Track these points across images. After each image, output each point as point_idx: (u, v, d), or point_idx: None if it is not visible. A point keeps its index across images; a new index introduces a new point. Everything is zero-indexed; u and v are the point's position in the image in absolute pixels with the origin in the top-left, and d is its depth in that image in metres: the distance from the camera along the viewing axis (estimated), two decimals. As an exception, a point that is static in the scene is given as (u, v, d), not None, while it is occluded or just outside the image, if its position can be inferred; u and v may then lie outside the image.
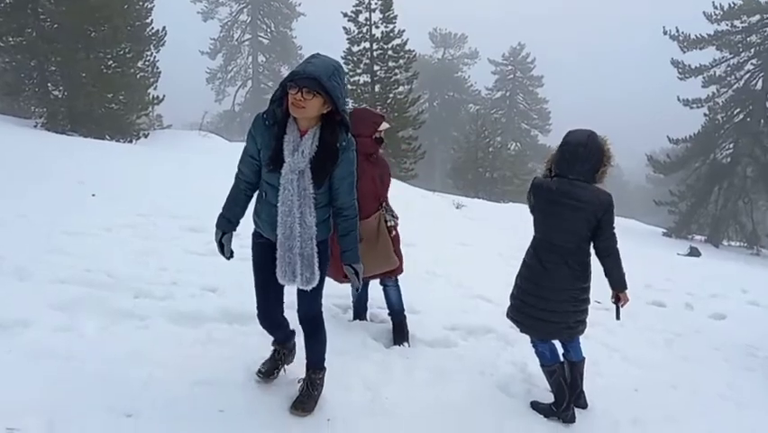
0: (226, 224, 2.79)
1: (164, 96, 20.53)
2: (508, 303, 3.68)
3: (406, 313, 4.21)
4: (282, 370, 3.20)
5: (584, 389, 3.72)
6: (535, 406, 3.62)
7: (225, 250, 2.80)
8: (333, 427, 2.91)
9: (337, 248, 2.86)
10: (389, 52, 24.62)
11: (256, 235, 2.83)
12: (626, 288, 3.44)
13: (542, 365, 3.59)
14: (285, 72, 48.58)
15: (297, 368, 3.14)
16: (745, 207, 25.49)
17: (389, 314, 4.21)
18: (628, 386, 4.24)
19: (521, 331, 3.67)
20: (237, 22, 48.74)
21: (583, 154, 3.27)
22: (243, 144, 2.72)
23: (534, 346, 3.62)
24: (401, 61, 24.77)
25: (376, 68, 24.71)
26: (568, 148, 3.32)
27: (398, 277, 4.15)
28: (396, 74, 24.93)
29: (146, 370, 2.98)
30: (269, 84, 48.90)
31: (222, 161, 8.10)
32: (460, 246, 8.92)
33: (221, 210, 2.79)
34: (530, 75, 51.03)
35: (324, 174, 2.60)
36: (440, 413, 3.30)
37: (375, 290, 4.28)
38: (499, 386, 3.84)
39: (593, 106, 70.07)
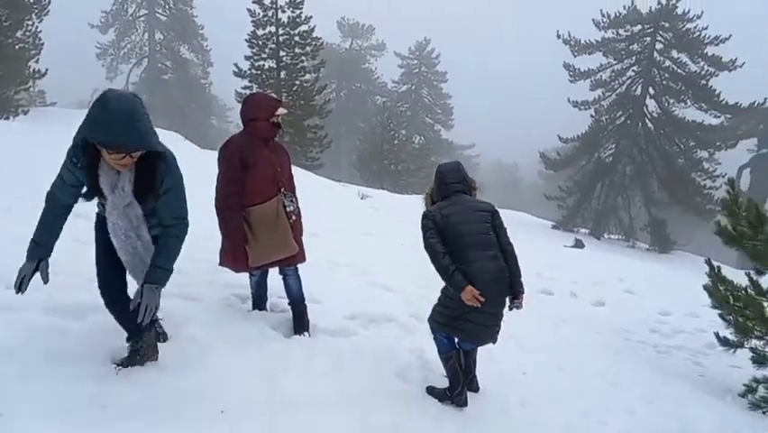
0: (44, 252, 2.66)
1: (47, 69, 18.88)
2: (424, 295, 3.72)
3: (306, 303, 4.17)
4: (148, 362, 3.00)
5: (477, 374, 3.89)
6: (431, 391, 3.73)
7: (43, 276, 2.65)
8: (228, 418, 2.82)
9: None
10: (296, 38, 24.19)
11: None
12: (523, 290, 3.61)
13: (440, 353, 3.71)
14: (184, 52, 46.38)
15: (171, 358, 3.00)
16: (623, 202, 27.88)
17: (289, 303, 4.15)
18: (518, 370, 4.48)
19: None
20: (132, -5, 45.68)
21: (459, 176, 3.75)
22: None
23: (433, 333, 3.73)
24: (308, 48, 24.42)
25: (282, 53, 24.20)
26: (446, 173, 3.77)
27: (301, 266, 4.10)
28: (302, 61, 24.55)
29: (21, 365, 2.73)
30: (166, 63, 46.33)
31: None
32: (363, 236, 8.99)
33: (34, 238, 2.65)
34: (435, 70, 52.26)
35: (150, 198, 2.65)
36: (339, 402, 3.30)
37: (275, 279, 4.20)
38: (398, 373, 3.91)
39: (494, 107, 73.25)
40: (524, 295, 3.62)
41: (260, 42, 23.96)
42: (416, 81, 52.48)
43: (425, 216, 3.62)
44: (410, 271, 6.42)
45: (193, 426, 2.70)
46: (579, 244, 19.87)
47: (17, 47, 17.91)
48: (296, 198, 4.02)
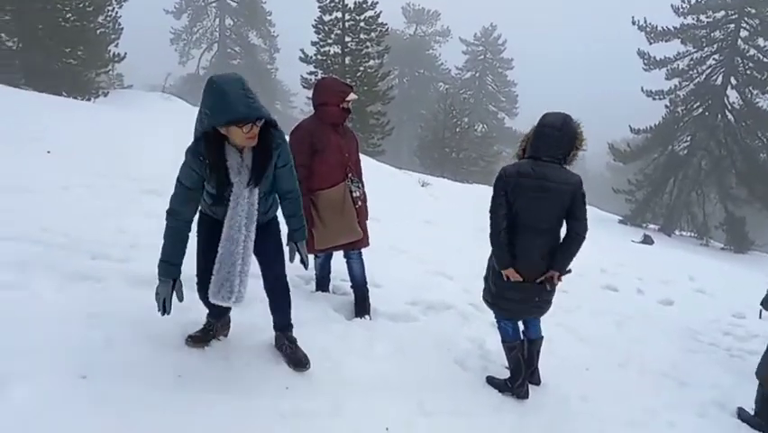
0: (176, 271, 2.66)
1: (125, 53, 19.79)
2: (482, 285, 3.70)
3: (368, 286, 4.23)
4: (217, 339, 3.16)
5: (538, 366, 3.83)
6: (491, 381, 3.71)
7: (179, 295, 2.69)
8: (293, 395, 2.91)
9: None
10: (362, 24, 24.23)
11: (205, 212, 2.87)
12: (561, 271, 3.44)
13: (503, 341, 3.67)
14: (252, 38, 47.43)
15: (245, 335, 3.10)
16: (697, 198, 26.42)
17: (352, 286, 4.22)
18: (580, 365, 4.39)
19: (498, 312, 3.67)
20: (204, -18, 47.04)
21: (558, 137, 3.31)
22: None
23: (497, 322, 3.69)
24: (373, 34, 24.41)
25: (347, 39, 24.32)
26: (545, 130, 3.34)
27: (363, 251, 4.16)
28: (367, 47, 24.60)
29: (103, 332, 2.90)
30: (235, 48, 47.51)
31: (184, 125, 7.85)
32: (424, 224, 8.98)
33: (162, 257, 2.64)
34: (500, 57, 51.05)
35: (263, 174, 2.69)
36: (399, 386, 3.34)
37: (338, 262, 4.28)
38: (457, 361, 3.92)
39: (560, 93, 70.99)
40: (560, 276, 3.43)
41: (327, 28, 24.14)
42: (481, 68, 51.42)
43: (499, 178, 3.41)
44: (469, 259, 6.37)
45: (260, 400, 2.80)
46: (647, 241, 19.05)
47: (98, 31, 18.83)
48: (362, 184, 4.06)
